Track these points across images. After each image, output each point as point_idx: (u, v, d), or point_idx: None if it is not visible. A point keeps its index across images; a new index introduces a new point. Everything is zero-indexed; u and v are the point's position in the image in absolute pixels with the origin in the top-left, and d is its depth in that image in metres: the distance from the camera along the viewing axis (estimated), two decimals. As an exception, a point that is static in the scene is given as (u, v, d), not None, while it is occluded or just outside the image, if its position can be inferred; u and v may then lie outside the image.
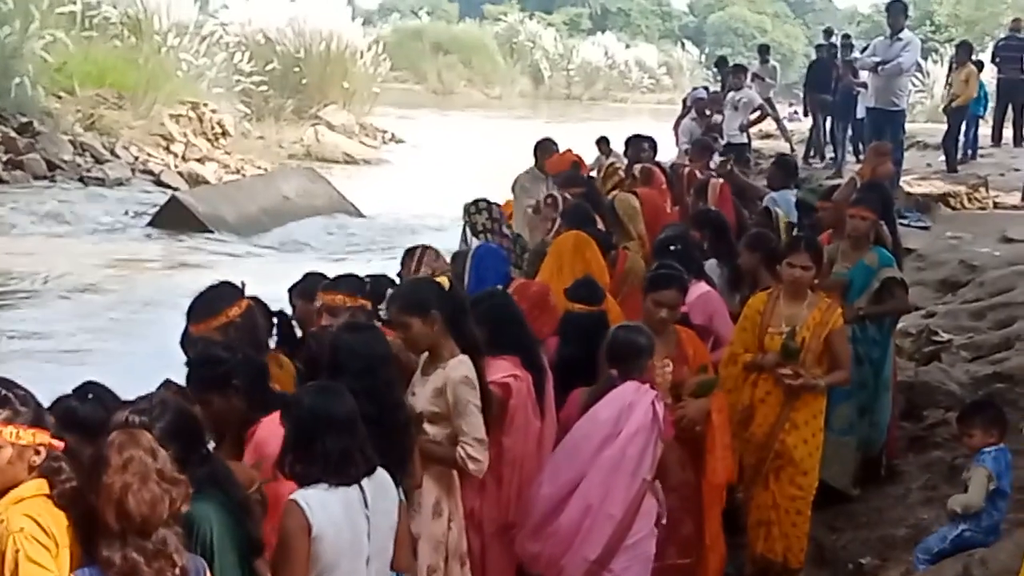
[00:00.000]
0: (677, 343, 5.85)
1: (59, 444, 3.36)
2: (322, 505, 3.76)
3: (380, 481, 3.96)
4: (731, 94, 16.65)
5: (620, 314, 6.26)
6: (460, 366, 4.80)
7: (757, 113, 16.74)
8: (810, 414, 6.22)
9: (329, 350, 4.51)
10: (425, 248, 6.62)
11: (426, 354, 4.91)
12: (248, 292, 5.00)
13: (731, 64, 19.55)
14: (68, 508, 3.28)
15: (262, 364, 4.52)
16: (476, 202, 8.25)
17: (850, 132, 18.64)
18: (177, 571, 3.24)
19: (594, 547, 4.98)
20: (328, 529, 3.75)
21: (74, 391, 3.89)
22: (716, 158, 13.46)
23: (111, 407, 3.72)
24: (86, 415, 3.75)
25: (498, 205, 8.49)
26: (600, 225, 7.74)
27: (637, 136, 12.10)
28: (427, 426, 4.78)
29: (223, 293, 4.93)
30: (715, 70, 24.81)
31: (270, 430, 4.12)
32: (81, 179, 21.00)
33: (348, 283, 5.51)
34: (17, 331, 11.89)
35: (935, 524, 6.32)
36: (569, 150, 10.65)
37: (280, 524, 3.78)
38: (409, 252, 6.61)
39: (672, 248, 6.89)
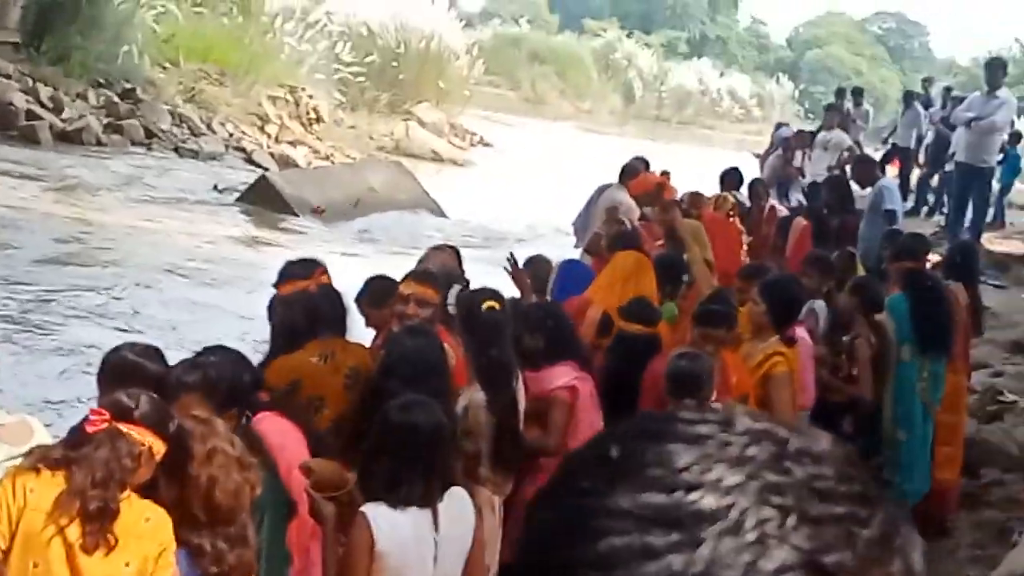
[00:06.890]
0: (720, 370, 5.75)
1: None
2: (391, 524, 3.69)
3: (457, 503, 3.86)
4: (821, 134, 16.68)
5: (669, 335, 6.30)
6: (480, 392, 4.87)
7: (845, 155, 16.74)
8: None
9: (385, 352, 4.54)
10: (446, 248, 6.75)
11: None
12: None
13: (828, 103, 19.44)
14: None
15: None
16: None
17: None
18: (252, 553, 3.38)
19: None
20: (393, 548, 3.68)
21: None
22: (798, 197, 13.56)
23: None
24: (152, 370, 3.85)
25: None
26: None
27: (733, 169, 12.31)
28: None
29: (307, 265, 5.18)
30: (806, 105, 24.71)
31: (273, 427, 4.03)
32: (176, 149, 21.43)
33: (430, 276, 5.37)
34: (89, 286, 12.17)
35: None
36: (665, 173, 10.75)
37: (349, 533, 3.75)
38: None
39: None
